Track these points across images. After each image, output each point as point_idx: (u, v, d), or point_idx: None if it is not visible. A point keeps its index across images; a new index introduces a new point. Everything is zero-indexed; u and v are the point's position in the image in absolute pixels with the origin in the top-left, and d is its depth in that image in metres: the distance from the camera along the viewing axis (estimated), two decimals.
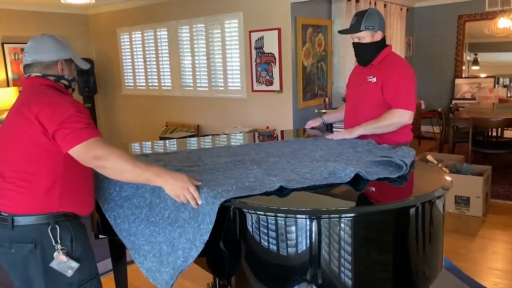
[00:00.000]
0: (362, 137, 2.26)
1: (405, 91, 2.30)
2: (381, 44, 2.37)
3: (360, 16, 2.32)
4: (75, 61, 1.72)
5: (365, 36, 2.32)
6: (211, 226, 1.42)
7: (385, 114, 2.28)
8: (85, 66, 1.76)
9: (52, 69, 1.64)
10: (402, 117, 2.27)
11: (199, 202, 1.46)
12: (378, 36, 2.33)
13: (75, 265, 1.56)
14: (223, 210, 1.42)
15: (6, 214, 1.54)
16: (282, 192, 1.49)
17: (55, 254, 1.54)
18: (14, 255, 1.56)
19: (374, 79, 2.36)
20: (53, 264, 1.54)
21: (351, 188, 1.56)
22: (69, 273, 1.56)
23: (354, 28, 2.33)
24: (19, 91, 1.70)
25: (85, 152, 1.47)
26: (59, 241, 1.55)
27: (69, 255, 1.57)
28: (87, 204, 1.68)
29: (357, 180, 1.59)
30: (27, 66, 1.65)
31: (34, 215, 1.53)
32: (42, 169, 1.52)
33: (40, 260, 1.55)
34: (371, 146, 2.08)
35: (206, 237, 1.43)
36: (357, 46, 2.39)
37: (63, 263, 1.55)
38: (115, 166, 1.47)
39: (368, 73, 2.40)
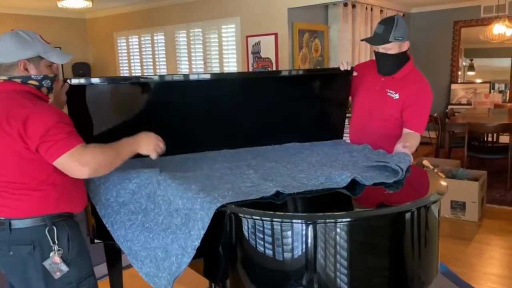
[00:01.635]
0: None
1: (425, 116, 2.23)
2: (406, 55, 2.23)
3: (388, 25, 2.13)
4: (46, 57, 1.58)
5: (393, 47, 2.15)
6: (203, 232, 1.41)
7: (411, 136, 2.15)
8: (61, 60, 1.64)
9: (15, 70, 1.54)
10: (418, 141, 2.20)
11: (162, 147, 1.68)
12: (405, 46, 2.18)
13: (65, 268, 1.57)
14: (219, 215, 1.42)
15: (3, 218, 1.54)
16: (278, 197, 1.49)
17: (51, 254, 1.55)
18: (13, 257, 1.56)
19: (397, 96, 2.22)
20: (46, 263, 1.55)
21: (347, 193, 1.57)
22: (57, 275, 1.56)
23: (383, 39, 2.14)
24: None
25: (71, 161, 1.46)
26: (56, 242, 1.56)
27: (65, 256, 1.58)
28: (80, 201, 1.69)
29: (353, 185, 1.59)
30: None
31: (31, 218, 1.54)
32: (34, 178, 1.52)
33: (40, 261, 1.55)
34: (367, 151, 2.08)
35: (197, 243, 1.43)
36: (383, 57, 2.21)
37: (55, 264, 1.56)
38: (102, 162, 1.52)
39: (389, 86, 2.25)
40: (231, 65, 5.12)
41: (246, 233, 1.42)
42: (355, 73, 2.27)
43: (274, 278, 1.42)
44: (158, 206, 1.63)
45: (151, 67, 5.95)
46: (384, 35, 2.13)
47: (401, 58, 2.21)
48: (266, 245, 1.39)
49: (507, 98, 6.60)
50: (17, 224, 1.53)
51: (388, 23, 2.15)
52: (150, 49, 5.91)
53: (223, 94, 2.10)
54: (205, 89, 2.08)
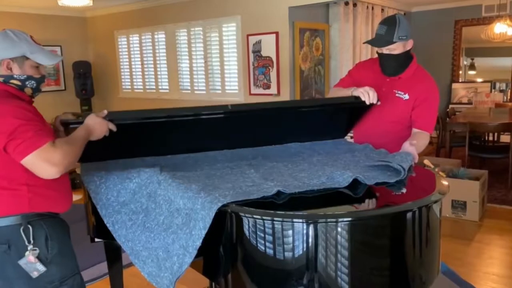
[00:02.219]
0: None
1: (434, 115, 2.20)
2: (410, 54, 2.17)
3: (391, 25, 2.06)
4: (32, 57, 1.58)
5: (397, 48, 2.08)
6: (204, 232, 1.41)
7: (420, 136, 2.10)
8: (47, 61, 1.62)
9: None
10: (427, 141, 2.16)
11: (112, 127, 1.65)
12: (409, 45, 2.12)
13: (42, 268, 1.55)
14: (219, 214, 1.41)
15: None
16: (279, 196, 1.49)
17: (26, 253, 1.54)
18: None
19: (407, 96, 2.16)
20: (21, 263, 1.54)
21: (349, 193, 1.56)
22: (35, 274, 1.55)
23: (387, 40, 2.07)
24: None
25: (38, 160, 1.43)
26: (31, 241, 1.54)
27: (44, 255, 1.56)
28: (61, 200, 1.65)
29: (355, 185, 1.59)
30: None
31: (5, 217, 1.53)
32: (4, 178, 1.51)
33: (16, 260, 1.54)
34: (369, 151, 2.08)
35: (198, 243, 1.43)
36: (387, 58, 2.13)
37: (31, 263, 1.54)
38: (73, 159, 1.50)
39: (397, 87, 2.19)
40: (232, 64, 5.12)
41: (247, 233, 1.42)
42: (379, 103, 2.08)
43: (275, 277, 1.42)
44: (159, 206, 1.63)
45: (152, 65, 5.94)
46: (387, 36, 2.07)
47: (406, 57, 2.15)
48: (267, 244, 1.38)
49: (508, 97, 6.59)
50: None
51: (390, 23, 2.08)
52: (151, 47, 5.90)
53: (240, 121, 2.02)
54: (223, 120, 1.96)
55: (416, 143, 1.97)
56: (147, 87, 6.11)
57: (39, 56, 1.60)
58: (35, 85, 1.61)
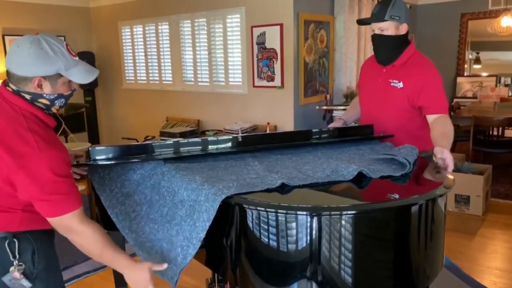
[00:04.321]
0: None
1: (442, 95, 2.09)
2: (405, 40, 2.09)
3: (384, 4, 2.02)
4: (66, 75, 1.39)
5: (389, 28, 2.02)
6: (208, 224, 1.41)
7: (441, 124, 2.01)
8: (84, 79, 1.42)
9: (27, 84, 1.36)
10: (450, 125, 2.02)
11: None
12: (403, 29, 2.05)
13: (27, 284, 1.45)
14: (223, 205, 1.41)
15: None
16: (283, 189, 1.48)
17: (11, 269, 1.44)
18: None
19: (401, 84, 2.09)
20: (5, 279, 1.43)
21: (353, 186, 1.55)
22: None
23: (378, 16, 2.02)
24: None
25: (61, 224, 1.40)
26: (17, 256, 1.44)
27: (30, 270, 1.47)
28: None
29: (359, 178, 1.58)
30: (6, 71, 1.41)
31: None
32: (2, 204, 1.40)
33: (2, 275, 1.44)
34: (374, 144, 2.07)
35: (202, 235, 1.42)
36: (379, 39, 2.07)
37: (16, 280, 1.44)
38: (84, 246, 1.44)
39: (391, 76, 2.13)
40: (236, 56, 5.09)
41: (250, 224, 1.41)
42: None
43: (278, 269, 1.42)
44: (162, 197, 1.62)
45: (155, 57, 5.92)
46: (379, 14, 2.02)
47: (399, 42, 2.06)
48: (271, 236, 1.38)
49: None
50: None
51: (384, 2, 2.03)
52: (155, 38, 5.87)
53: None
54: None
55: (443, 137, 1.87)
56: (151, 78, 6.09)
57: (75, 73, 1.40)
58: (63, 102, 1.45)
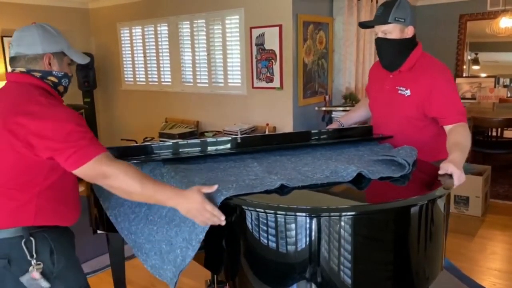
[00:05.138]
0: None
1: (456, 101, 1.92)
2: (411, 43, 1.96)
3: (388, 6, 1.90)
4: (69, 54, 1.52)
5: (393, 31, 1.90)
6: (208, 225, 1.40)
7: (455, 133, 1.84)
8: (82, 60, 1.56)
9: (38, 63, 1.45)
10: (467, 134, 1.85)
11: (222, 219, 1.36)
12: (409, 32, 1.93)
13: (45, 285, 1.42)
14: (222, 207, 1.40)
15: None
16: (282, 190, 1.48)
17: (30, 268, 1.41)
18: None
19: (408, 92, 1.96)
20: (23, 280, 1.41)
21: (352, 187, 1.55)
22: None
23: (381, 19, 1.90)
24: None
25: (91, 171, 1.34)
26: (34, 256, 1.41)
27: (49, 270, 1.44)
28: (71, 215, 1.54)
29: (359, 179, 1.57)
30: (11, 60, 1.48)
31: (6, 229, 1.40)
32: (16, 182, 1.38)
33: (19, 276, 1.41)
34: (373, 145, 2.06)
35: (202, 236, 1.42)
36: (382, 43, 1.95)
37: (34, 280, 1.41)
38: (123, 186, 1.37)
39: (398, 83, 2.00)
40: (235, 57, 5.09)
41: (249, 226, 1.41)
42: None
43: (278, 271, 1.42)
44: None
45: (154, 58, 5.92)
46: (383, 16, 1.90)
47: (405, 46, 1.94)
48: (270, 237, 1.37)
49: None
50: None
51: (388, 4, 1.91)
52: (153, 40, 5.87)
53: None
54: None
55: (455, 148, 1.71)
56: (150, 79, 6.08)
57: (74, 54, 1.54)
58: (67, 83, 1.54)
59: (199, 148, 1.84)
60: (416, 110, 1.97)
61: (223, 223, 1.37)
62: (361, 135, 2.13)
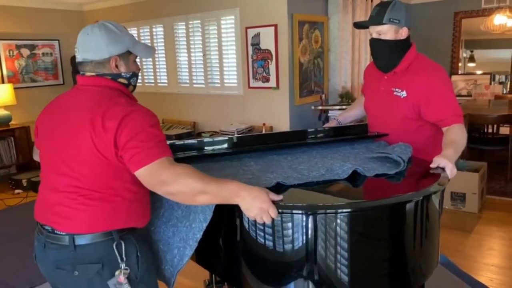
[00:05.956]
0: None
1: (453, 102, 1.92)
2: (406, 44, 1.97)
3: (383, 7, 1.91)
4: (134, 51, 1.47)
5: (388, 32, 1.91)
6: (205, 225, 1.41)
7: (451, 131, 1.86)
8: (147, 55, 1.51)
9: (105, 67, 1.42)
10: (462, 134, 1.86)
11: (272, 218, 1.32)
12: (403, 33, 1.93)
13: None
14: (219, 206, 1.41)
15: (63, 233, 1.35)
16: (279, 188, 1.48)
17: (117, 272, 1.37)
18: (78, 278, 1.36)
19: (404, 94, 1.97)
20: (110, 283, 1.36)
21: (348, 184, 1.56)
22: None
23: (376, 19, 1.91)
24: (69, 90, 1.50)
25: (149, 177, 1.28)
26: (124, 259, 1.38)
27: (134, 274, 1.41)
28: (146, 216, 1.50)
29: (354, 176, 1.58)
30: (79, 64, 1.46)
31: (100, 233, 1.36)
32: (109, 188, 1.35)
33: (107, 280, 1.37)
34: (368, 143, 2.07)
35: (199, 236, 1.42)
36: (377, 44, 1.96)
37: (120, 284, 1.37)
38: (183, 190, 1.27)
39: (393, 84, 2.01)
40: (230, 57, 5.10)
41: (246, 224, 1.41)
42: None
43: (275, 269, 1.42)
44: (158, 199, 1.62)
45: (150, 59, 5.92)
46: (377, 16, 1.91)
47: (399, 47, 1.95)
48: (267, 236, 1.38)
49: (508, 89, 6.57)
50: (81, 239, 1.34)
51: (383, 5, 1.92)
52: (149, 41, 5.87)
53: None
54: None
55: (449, 145, 1.73)
56: (146, 81, 6.08)
57: (140, 49, 1.49)
58: (136, 81, 1.51)
59: (196, 148, 1.85)
60: (412, 111, 1.98)
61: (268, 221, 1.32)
62: (357, 133, 2.14)
